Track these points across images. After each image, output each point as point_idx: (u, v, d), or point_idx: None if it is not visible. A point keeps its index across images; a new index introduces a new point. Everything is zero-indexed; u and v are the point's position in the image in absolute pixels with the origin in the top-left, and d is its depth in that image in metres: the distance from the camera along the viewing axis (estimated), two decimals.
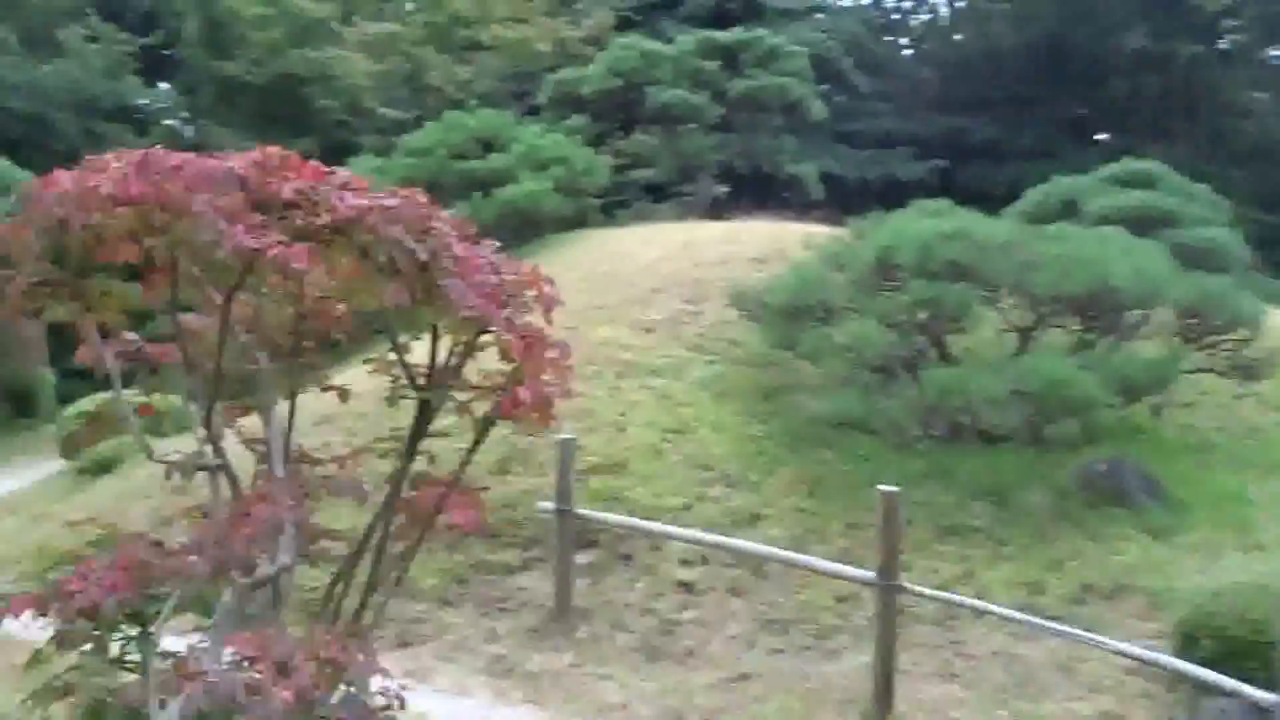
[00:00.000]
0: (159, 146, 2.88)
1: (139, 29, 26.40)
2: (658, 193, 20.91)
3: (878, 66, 31.10)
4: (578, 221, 14.58)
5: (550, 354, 3.18)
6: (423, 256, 2.91)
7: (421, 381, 3.30)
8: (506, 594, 6.93)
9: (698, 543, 6.46)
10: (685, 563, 7.02)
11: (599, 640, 6.49)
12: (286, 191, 2.81)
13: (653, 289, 10.58)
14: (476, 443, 3.39)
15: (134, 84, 25.89)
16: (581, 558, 7.07)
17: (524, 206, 13.14)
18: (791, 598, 6.71)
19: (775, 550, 6.01)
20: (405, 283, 2.90)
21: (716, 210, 16.49)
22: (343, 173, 3.09)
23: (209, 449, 3.19)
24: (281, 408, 3.54)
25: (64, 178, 2.82)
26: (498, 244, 3.38)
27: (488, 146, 14.43)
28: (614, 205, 19.34)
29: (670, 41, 20.26)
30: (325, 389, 3.78)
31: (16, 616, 2.92)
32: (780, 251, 10.85)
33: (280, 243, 2.71)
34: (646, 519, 7.23)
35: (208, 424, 3.19)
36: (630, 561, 7.08)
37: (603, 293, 10.65)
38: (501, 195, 13.18)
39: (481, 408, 3.34)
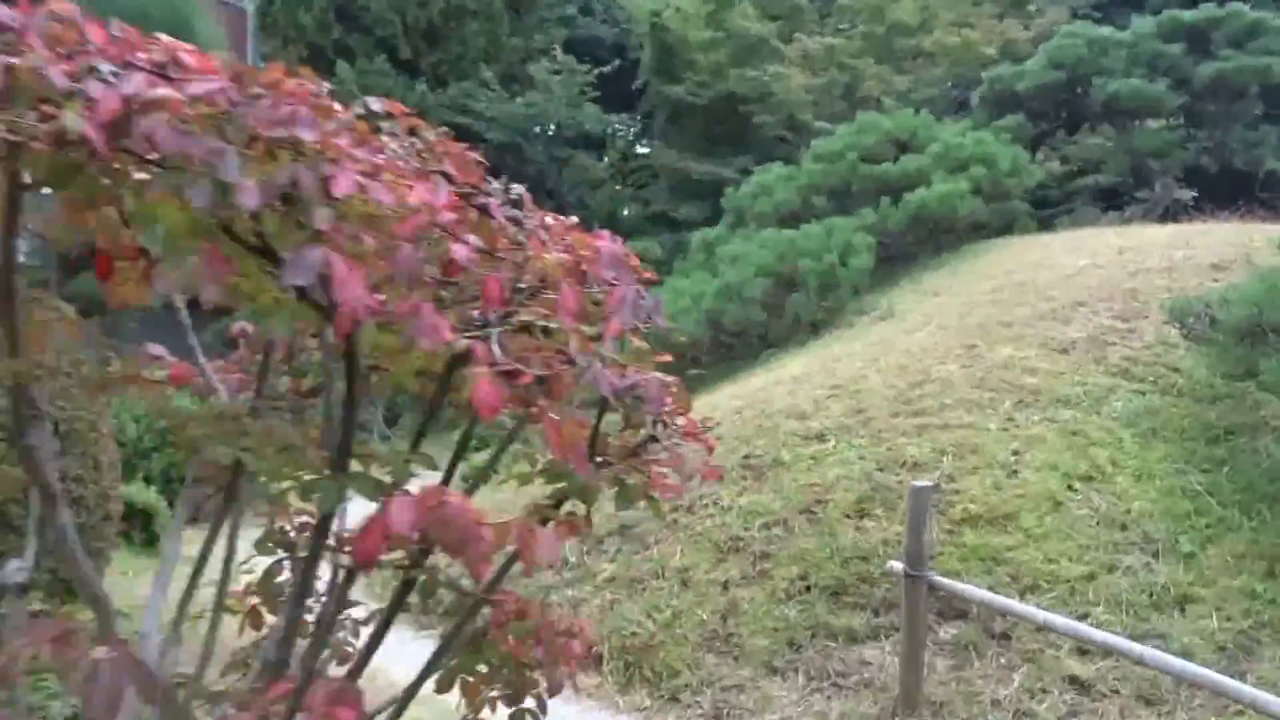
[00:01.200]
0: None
1: (600, 60, 27.77)
2: (1109, 199, 18.38)
3: None
4: (1002, 229, 12.84)
5: None
6: None
7: None
8: (847, 668, 5.71)
9: (1086, 640, 4.86)
10: (1082, 652, 5.43)
11: None
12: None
13: (1075, 302, 8.82)
14: None
15: (592, 112, 27.22)
16: (945, 630, 5.71)
17: (935, 212, 11.70)
18: (1228, 718, 4.93)
19: (1195, 669, 4.30)
20: None
21: (1174, 216, 13.95)
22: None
23: None
24: None
25: None
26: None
27: (903, 148, 13.13)
28: (1055, 214, 17.19)
29: (1123, 28, 17.67)
30: None
31: None
32: (1244, 257, 8.67)
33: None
34: (1032, 589, 5.72)
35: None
36: (1007, 643, 5.60)
37: (1012, 306, 9.06)
38: (912, 200, 11.83)
39: None
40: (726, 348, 10.65)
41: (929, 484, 5.27)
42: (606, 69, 26.98)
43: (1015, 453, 6.77)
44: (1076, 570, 5.85)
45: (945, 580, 5.25)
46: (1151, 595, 5.69)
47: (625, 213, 28.11)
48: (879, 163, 12.80)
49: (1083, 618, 5.60)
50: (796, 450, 7.04)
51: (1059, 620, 4.75)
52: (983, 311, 9.13)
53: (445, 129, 2.30)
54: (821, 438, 7.18)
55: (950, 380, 7.65)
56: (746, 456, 7.15)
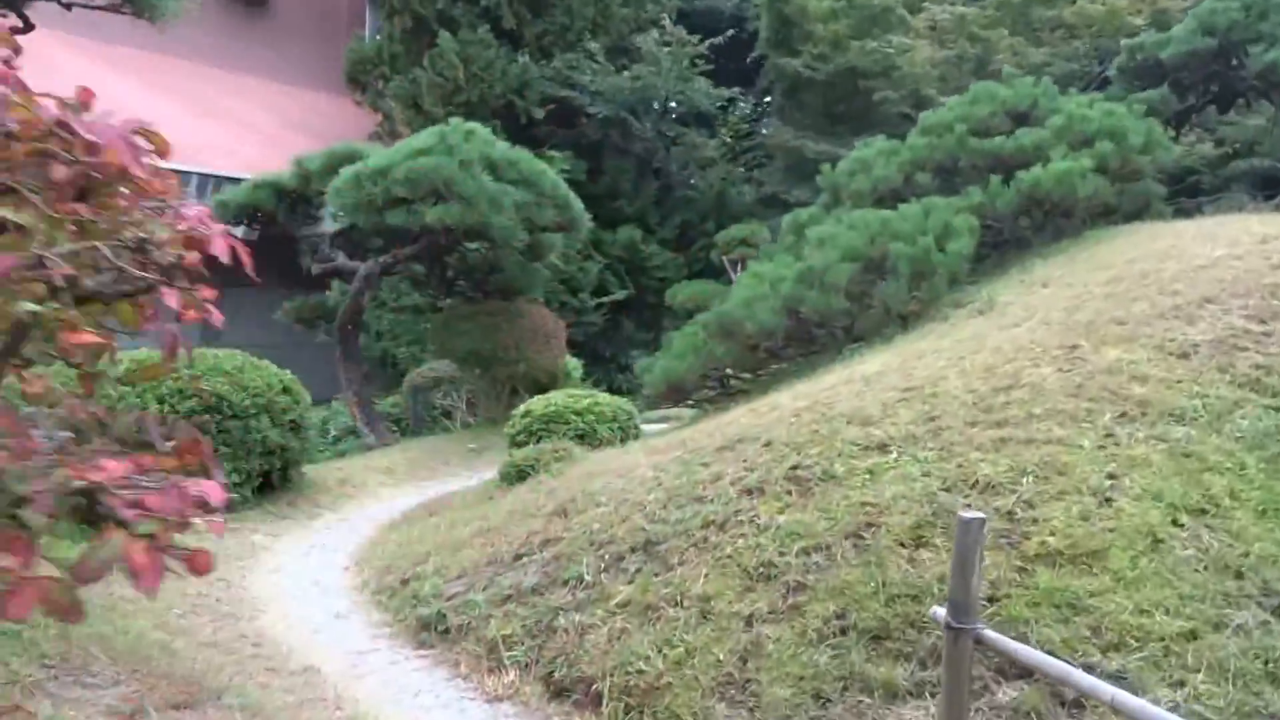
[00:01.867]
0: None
1: (714, 31, 26.76)
2: (1269, 186, 16.65)
3: None
4: (1133, 214, 11.49)
5: None
6: None
7: None
8: None
9: None
10: None
11: None
12: None
13: (1203, 298, 7.59)
14: None
15: (703, 86, 26.24)
16: (1004, 692, 4.74)
17: (1052, 192, 10.47)
18: None
19: None
20: None
21: None
22: None
23: None
24: None
25: None
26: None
27: (1020, 120, 11.87)
28: (1207, 202, 15.61)
29: None
30: None
31: None
32: None
33: None
34: (1116, 647, 4.70)
35: None
36: (1080, 715, 4.60)
37: (1129, 300, 7.87)
38: (1025, 179, 10.63)
39: None
40: (807, 341, 9.68)
41: (979, 515, 4.28)
42: (719, 40, 25.92)
43: (1111, 476, 5.69)
44: (1174, 626, 4.80)
45: (994, 635, 4.27)
46: (1268, 664, 4.61)
47: (736, 194, 27.02)
48: (991, 136, 11.59)
49: (1178, 686, 4.57)
50: (852, 462, 6.09)
51: (1131, 702, 3.75)
52: (1094, 306, 7.97)
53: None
54: (883, 448, 6.22)
55: (1042, 386, 6.58)
56: (795, 467, 6.23)
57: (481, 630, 6.05)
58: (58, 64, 19.10)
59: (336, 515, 10.18)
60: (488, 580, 6.55)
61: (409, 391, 17.01)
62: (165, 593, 6.55)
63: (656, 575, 5.82)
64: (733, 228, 23.99)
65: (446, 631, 6.25)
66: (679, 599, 5.55)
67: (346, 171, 13.36)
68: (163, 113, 19.64)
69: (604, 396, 10.68)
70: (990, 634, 4.30)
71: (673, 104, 26.62)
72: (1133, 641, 4.76)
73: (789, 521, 5.76)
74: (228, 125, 21.45)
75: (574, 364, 18.49)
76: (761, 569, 5.53)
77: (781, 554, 5.56)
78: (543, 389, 17.63)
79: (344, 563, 8.31)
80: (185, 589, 6.80)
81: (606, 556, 6.19)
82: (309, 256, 15.86)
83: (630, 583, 5.87)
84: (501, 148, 14.15)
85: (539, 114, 23.65)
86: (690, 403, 10.90)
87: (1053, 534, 5.31)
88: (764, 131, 30.22)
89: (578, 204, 15.20)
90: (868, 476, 5.93)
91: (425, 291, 17.97)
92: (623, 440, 10.06)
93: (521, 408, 10.56)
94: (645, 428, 12.03)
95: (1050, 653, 4.43)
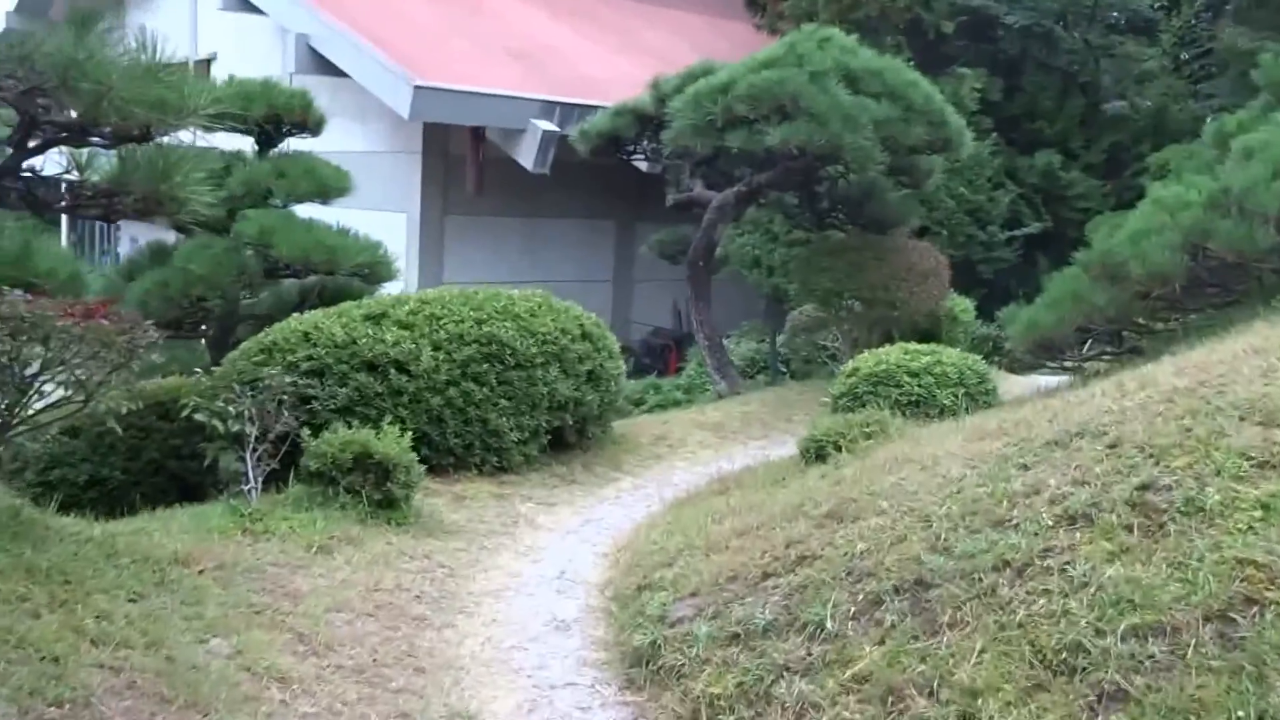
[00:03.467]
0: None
1: None
2: None
3: None
4: None
5: None
6: None
7: None
8: None
9: None
10: None
11: None
12: None
13: None
14: None
15: None
16: None
17: None
18: None
19: None
20: None
21: None
22: None
23: None
24: None
25: None
26: None
27: None
28: None
29: None
30: None
31: None
32: None
33: None
34: None
35: None
36: None
37: None
38: None
39: None
40: (1218, 288, 7.19)
41: None
42: None
43: None
44: None
45: None
46: None
47: (1179, 111, 22.77)
48: None
49: None
50: (1234, 488, 3.94)
51: None
52: None
53: None
54: None
55: None
56: (1144, 487, 4.17)
57: (692, 680, 4.61)
58: (501, 8, 20.24)
59: (634, 481, 9.08)
60: (721, 605, 5.07)
61: (790, 332, 15.68)
62: (356, 582, 5.69)
63: (916, 639, 4.06)
64: (1166, 150, 20.23)
65: (658, 672, 4.87)
66: (934, 684, 3.78)
67: (688, 90, 12.09)
68: (586, 51, 19.76)
69: (950, 353, 8.67)
70: None
71: (1106, 7, 22.82)
72: None
73: (1120, 578, 3.77)
74: (644, 58, 21.15)
75: (963, 304, 16.24)
76: (1064, 655, 3.62)
77: (1099, 633, 3.61)
78: (922, 333, 15.68)
79: (607, 547, 7.16)
80: (391, 576, 5.91)
81: (862, 595, 4.50)
82: (672, 186, 14.81)
83: (880, 643, 4.15)
84: (865, 56, 12.21)
85: (949, 28, 21.17)
86: (1064, 363, 8.63)
87: None
88: (1216, 37, 25.45)
89: (956, 119, 12.91)
90: (1258, 516, 3.77)
91: (799, 224, 16.37)
92: (969, 409, 8.10)
93: (848, 364, 8.84)
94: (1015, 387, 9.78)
95: None
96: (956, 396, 8.16)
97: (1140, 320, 7.89)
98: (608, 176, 17.73)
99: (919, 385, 8.16)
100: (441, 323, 8.46)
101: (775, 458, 9.12)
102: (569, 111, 16.58)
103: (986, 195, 20.54)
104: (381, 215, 16.27)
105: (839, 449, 6.96)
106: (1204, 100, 23.01)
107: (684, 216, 15.01)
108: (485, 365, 8.40)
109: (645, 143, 14.29)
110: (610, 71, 18.44)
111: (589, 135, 14.17)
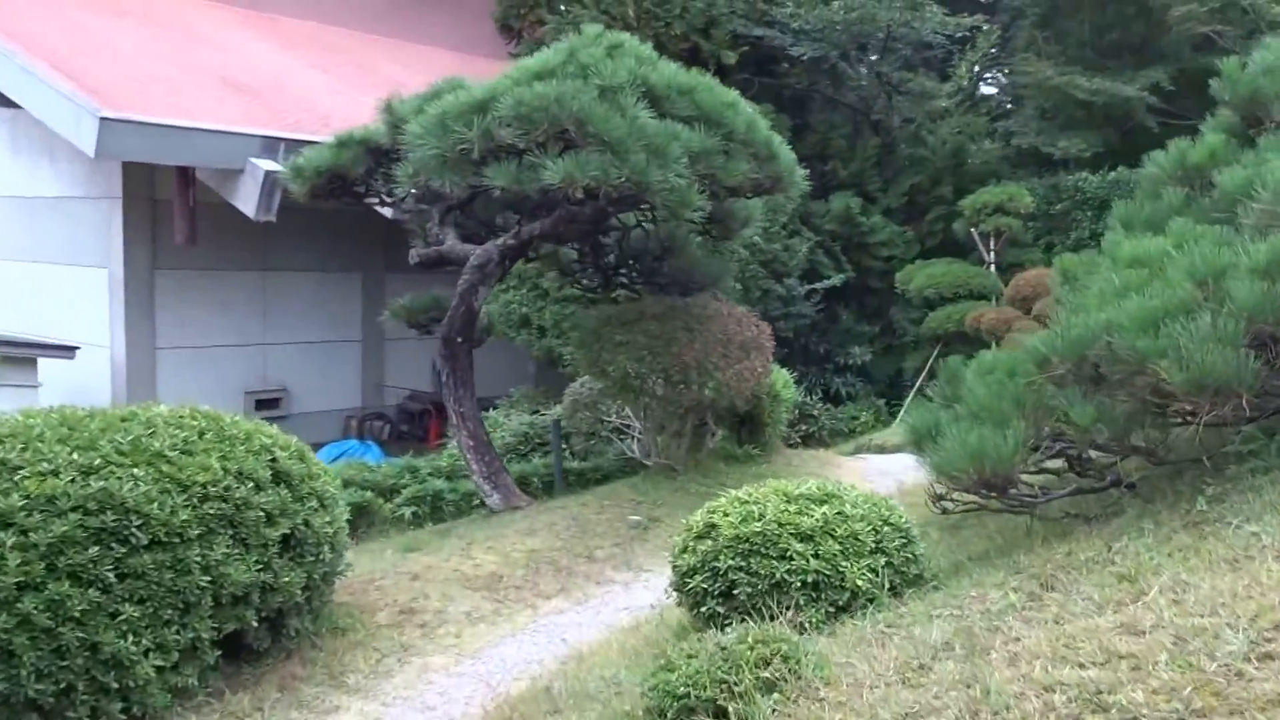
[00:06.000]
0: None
1: None
2: None
3: None
4: None
5: None
6: None
7: None
8: None
9: None
10: None
11: None
12: None
13: None
14: None
15: (934, 16, 20.45)
16: None
17: None
18: None
19: None
20: None
21: None
22: None
23: None
24: None
25: None
26: None
27: None
28: None
29: None
30: None
31: None
32: None
33: None
34: None
35: None
36: None
37: None
38: None
39: None
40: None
41: None
42: None
43: None
44: None
45: None
46: None
47: (976, 150, 21.20)
48: None
49: None
50: None
51: None
52: None
53: None
54: None
55: None
56: None
57: None
58: (225, 39, 17.52)
59: (364, 709, 5.61)
60: None
61: (570, 406, 12.49)
62: None
63: None
64: (982, 192, 18.48)
65: None
66: None
67: (429, 111, 8.79)
68: (319, 84, 17.08)
69: (853, 494, 5.61)
70: None
71: (896, 40, 21.06)
72: None
73: None
74: (384, 93, 17.83)
75: (783, 378, 13.50)
76: None
77: None
78: (741, 418, 12.83)
79: None
80: None
81: None
82: (418, 238, 11.31)
83: None
84: (667, 70, 9.22)
85: (730, 58, 19.04)
86: (1014, 503, 5.73)
87: None
88: (1005, 72, 24.37)
89: (787, 153, 10.12)
90: None
91: (578, 285, 13.14)
92: (894, 591, 5.13)
93: (696, 516, 5.64)
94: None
95: None
96: (875, 572, 5.15)
97: (1138, 444, 5.14)
98: (351, 223, 15.20)
99: (816, 556, 5.10)
100: (19, 476, 4.80)
101: (582, 645, 5.88)
102: (295, 149, 13.06)
103: (782, 244, 18.22)
104: (75, 271, 14.31)
105: (723, 710, 3.76)
106: (1003, 139, 21.63)
107: (436, 275, 11.67)
108: (95, 548, 4.75)
109: (379, 182, 10.86)
110: (347, 106, 15.23)
111: (304, 173, 10.57)
